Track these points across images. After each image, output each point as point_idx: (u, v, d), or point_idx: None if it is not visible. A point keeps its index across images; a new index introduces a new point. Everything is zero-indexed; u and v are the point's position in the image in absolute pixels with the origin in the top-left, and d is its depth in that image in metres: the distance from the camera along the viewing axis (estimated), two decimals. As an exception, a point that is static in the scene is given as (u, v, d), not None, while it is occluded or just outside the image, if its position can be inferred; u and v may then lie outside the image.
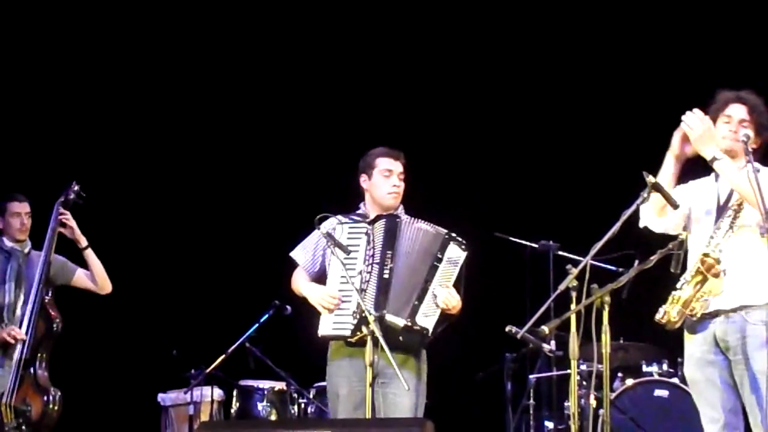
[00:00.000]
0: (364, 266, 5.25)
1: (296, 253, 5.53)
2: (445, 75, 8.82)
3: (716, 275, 4.84)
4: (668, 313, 4.97)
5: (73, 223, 6.35)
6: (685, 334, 5.09)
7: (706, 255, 4.87)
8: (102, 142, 8.69)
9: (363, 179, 5.49)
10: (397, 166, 5.45)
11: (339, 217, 5.42)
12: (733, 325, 4.91)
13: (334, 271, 5.32)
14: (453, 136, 8.77)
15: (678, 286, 4.99)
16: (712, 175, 5.11)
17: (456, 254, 5.33)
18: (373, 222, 5.36)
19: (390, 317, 5.17)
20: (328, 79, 8.86)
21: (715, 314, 4.94)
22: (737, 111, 5.04)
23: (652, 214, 5.11)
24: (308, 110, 8.91)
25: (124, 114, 8.84)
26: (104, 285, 6.49)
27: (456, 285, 5.34)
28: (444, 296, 5.26)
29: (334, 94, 8.84)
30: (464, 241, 5.36)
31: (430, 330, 5.27)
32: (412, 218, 5.39)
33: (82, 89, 8.71)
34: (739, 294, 4.89)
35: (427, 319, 5.26)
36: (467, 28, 8.79)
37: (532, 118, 8.69)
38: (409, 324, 5.20)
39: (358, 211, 5.50)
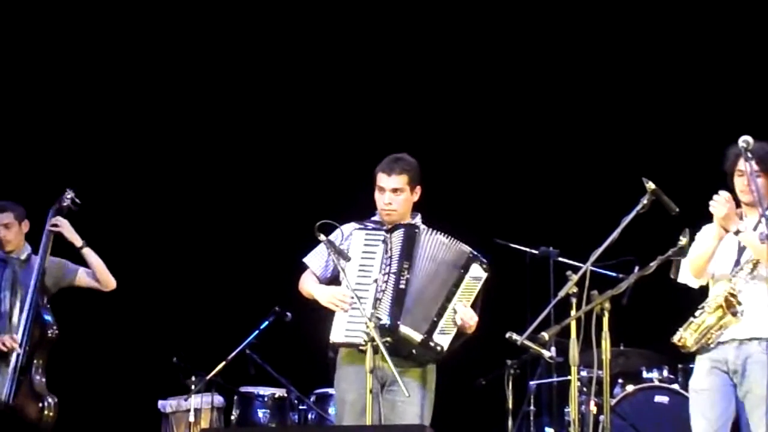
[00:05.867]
0: (380, 275, 5.18)
1: (309, 258, 5.43)
2: (445, 81, 8.81)
3: (734, 314, 5.21)
4: (685, 339, 5.30)
5: (64, 226, 6.32)
6: (698, 355, 5.39)
7: (732, 295, 5.22)
8: (98, 150, 8.67)
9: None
10: (390, 182, 5.30)
11: (354, 223, 5.36)
12: (744, 352, 5.24)
13: (349, 276, 5.19)
14: (452, 142, 8.76)
15: (696, 314, 5.29)
16: None
17: (478, 274, 5.28)
18: (391, 230, 5.27)
19: (405, 329, 5.11)
20: (331, 86, 8.84)
21: (729, 341, 5.28)
22: (748, 165, 5.29)
23: (690, 275, 5.39)
24: (311, 116, 8.89)
25: (122, 120, 8.82)
26: (107, 282, 6.45)
27: (473, 305, 5.29)
28: (464, 313, 5.22)
29: (336, 100, 8.83)
30: (486, 261, 5.30)
31: (445, 347, 5.22)
32: (432, 230, 5.30)
33: (77, 95, 8.68)
34: (751, 327, 5.23)
35: (443, 336, 5.21)
36: (468, 35, 8.78)
37: (532, 124, 8.68)
38: (425, 339, 5.16)
39: (374, 218, 5.42)
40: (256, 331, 7.11)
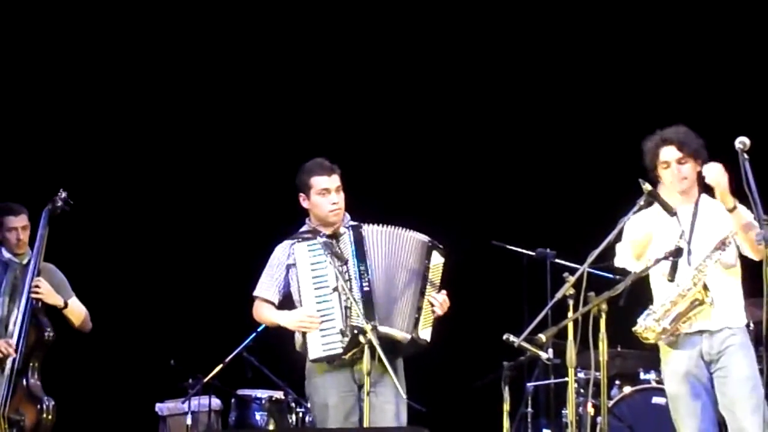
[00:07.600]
0: (340, 283, 5.15)
1: (260, 289, 5.48)
2: (442, 84, 8.83)
3: (702, 303, 5.12)
4: (649, 329, 5.20)
5: (44, 289, 6.19)
6: (665, 349, 5.29)
7: (705, 287, 5.10)
8: (93, 151, 8.67)
9: (302, 198, 5.40)
10: (332, 182, 5.33)
11: (286, 239, 5.36)
12: (717, 340, 5.17)
13: (306, 293, 5.25)
14: (450, 144, 8.77)
15: (654, 309, 5.20)
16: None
17: (438, 260, 5.34)
18: (334, 236, 5.28)
19: (383, 329, 5.12)
20: (312, 83, 8.85)
21: (700, 333, 5.19)
22: (669, 153, 5.28)
23: (631, 258, 5.29)
24: (307, 122, 8.90)
25: (119, 120, 8.82)
26: (83, 328, 6.42)
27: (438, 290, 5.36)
28: (438, 302, 5.29)
29: (322, 96, 8.83)
30: (442, 246, 5.36)
31: (428, 340, 5.29)
32: (372, 224, 5.30)
33: (71, 98, 8.69)
34: (722, 317, 5.17)
35: (425, 330, 5.27)
36: (465, 36, 8.79)
37: (529, 125, 8.69)
38: (414, 339, 5.21)
39: (305, 228, 5.41)
40: (254, 334, 7.10)
